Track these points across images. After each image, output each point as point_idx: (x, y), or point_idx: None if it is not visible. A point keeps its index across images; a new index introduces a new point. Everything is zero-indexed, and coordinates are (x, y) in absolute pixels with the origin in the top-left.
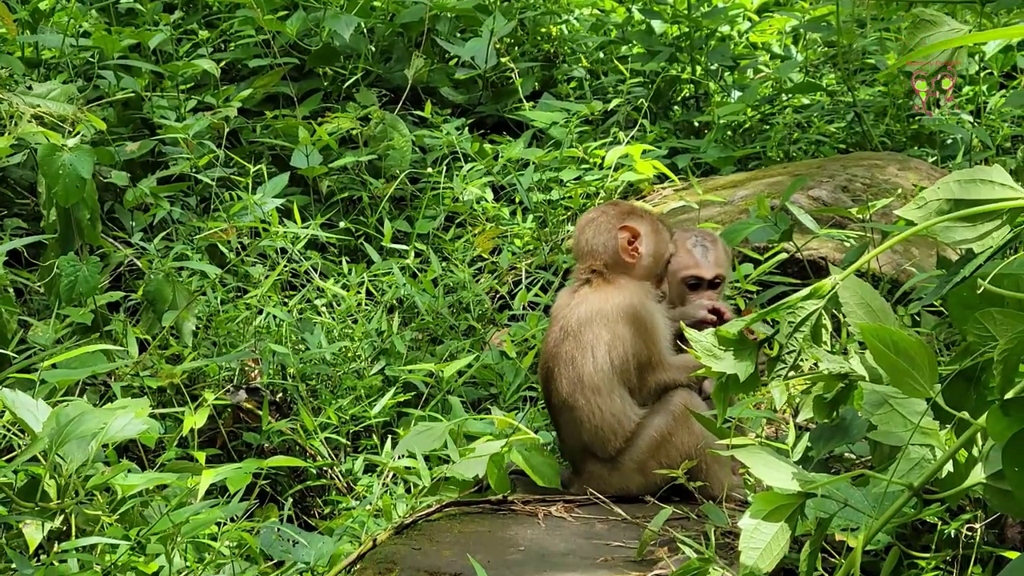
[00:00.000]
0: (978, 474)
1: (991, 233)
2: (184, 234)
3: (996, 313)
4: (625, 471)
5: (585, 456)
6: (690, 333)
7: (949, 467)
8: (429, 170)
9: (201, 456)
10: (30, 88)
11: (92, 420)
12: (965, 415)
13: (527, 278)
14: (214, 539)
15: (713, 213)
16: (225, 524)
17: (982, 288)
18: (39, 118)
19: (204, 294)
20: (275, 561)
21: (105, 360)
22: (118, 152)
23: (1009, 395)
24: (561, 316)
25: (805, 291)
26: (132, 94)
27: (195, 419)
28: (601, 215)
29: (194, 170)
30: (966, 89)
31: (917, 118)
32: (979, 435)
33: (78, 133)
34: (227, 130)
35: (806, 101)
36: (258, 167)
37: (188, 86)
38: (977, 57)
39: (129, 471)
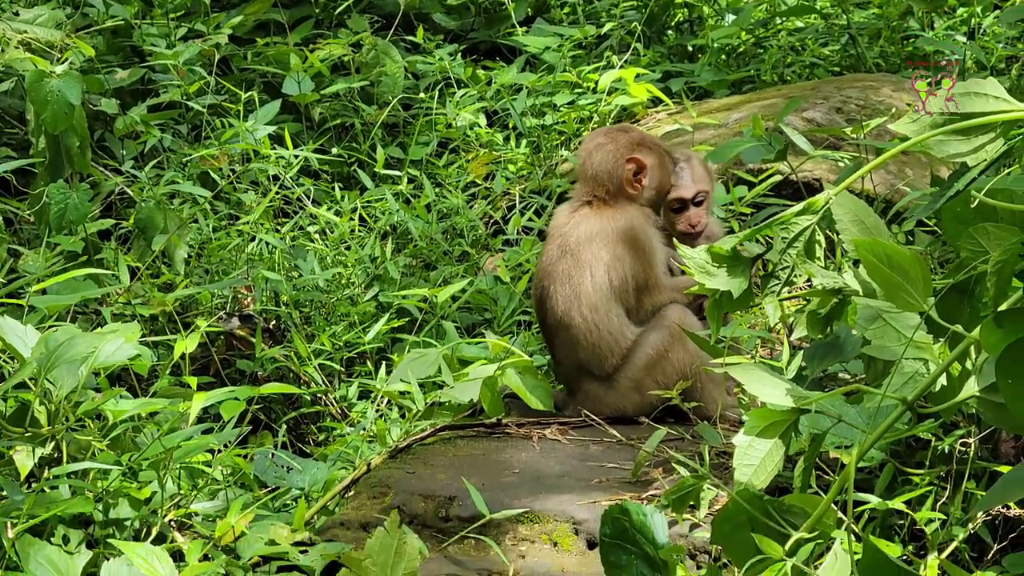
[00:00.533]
0: (972, 387)
1: (985, 146)
2: (175, 162)
3: (990, 227)
4: (621, 390)
5: (581, 376)
6: (683, 249)
7: (943, 381)
8: (422, 96)
9: (193, 381)
10: (17, 14)
11: (82, 345)
12: (959, 328)
13: (521, 203)
14: (208, 466)
15: (707, 136)
16: (219, 451)
17: (976, 202)
18: (27, 44)
19: (196, 221)
20: (270, 487)
21: (95, 286)
22: (107, 80)
23: (1003, 307)
24: (559, 234)
25: (798, 207)
26: (121, 21)
27: (186, 344)
28: (609, 142)
29: (185, 97)
30: (960, 10)
31: (911, 39)
32: (973, 348)
33: (67, 60)
34: (218, 57)
35: (800, 24)
36: (249, 94)
37: (178, 14)
38: None
39: (121, 397)
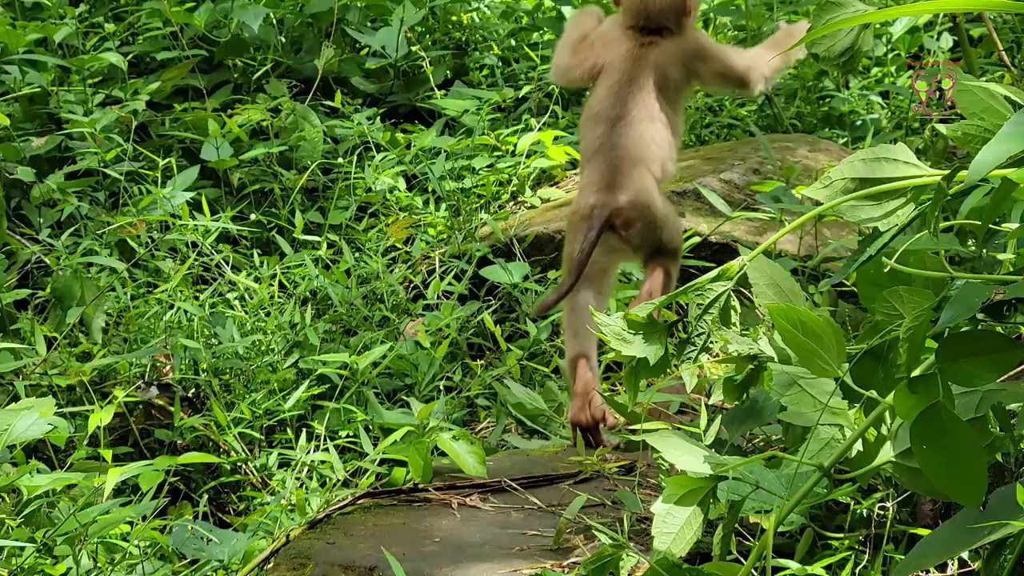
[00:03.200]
0: (887, 453)
1: (896, 211)
2: (93, 230)
3: (903, 291)
4: None
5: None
6: (599, 318)
7: (859, 446)
8: (341, 160)
9: (108, 454)
10: None
11: None
12: (873, 394)
13: (441, 267)
14: (125, 539)
15: None
16: (138, 524)
17: (888, 267)
18: None
19: (113, 290)
20: (189, 559)
21: (12, 359)
22: (23, 148)
23: (915, 373)
24: None
25: (713, 273)
26: (38, 89)
27: (101, 416)
28: None
29: (102, 165)
30: (875, 70)
31: (827, 100)
32: (888, 414)
33: None
34: (135, 124)
35: None
36: (167, 160)
37: (95, 80)
38: (884, 39)
39: (37, 471)
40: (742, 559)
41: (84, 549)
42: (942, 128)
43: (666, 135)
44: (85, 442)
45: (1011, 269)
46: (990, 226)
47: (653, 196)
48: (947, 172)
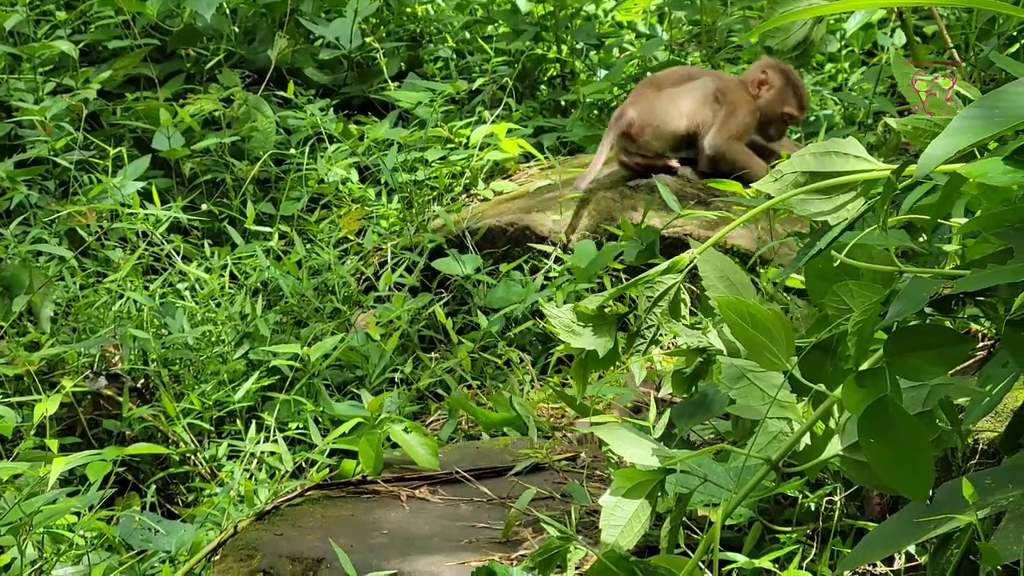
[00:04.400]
0: (835, 446)
1: (846, 205)
2: (42, 218)
3: (852, 285)
4: None
5: None
6: (549, 310)
7: (807, 440)
8: (293, 151)
9: (54, 444)
10: None
11: None
12: (822, 387)
13: (392, 259)
14: (72, 529)
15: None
16: (84, 514)
17: (838, 261)
18: None
19: (62, 279)
20: (136, 550)
21: None
22: None
23: (863, 366)
24: None
25: (663, 265)
26: None
27: (47, 406)
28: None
29: (52, 153)
30: (828, 66)
31: None
32: (836, 407)
33: None
34: (86, 112)
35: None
36: (118, 150)
37: (46, 68)
38: (839, 35)
39: None
40: (690, 552)
41: (29, 539)
42: (893, 123)
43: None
44: (32, 432)
45: (959, 263)
46: (939, 220)
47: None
48: (896, 166)
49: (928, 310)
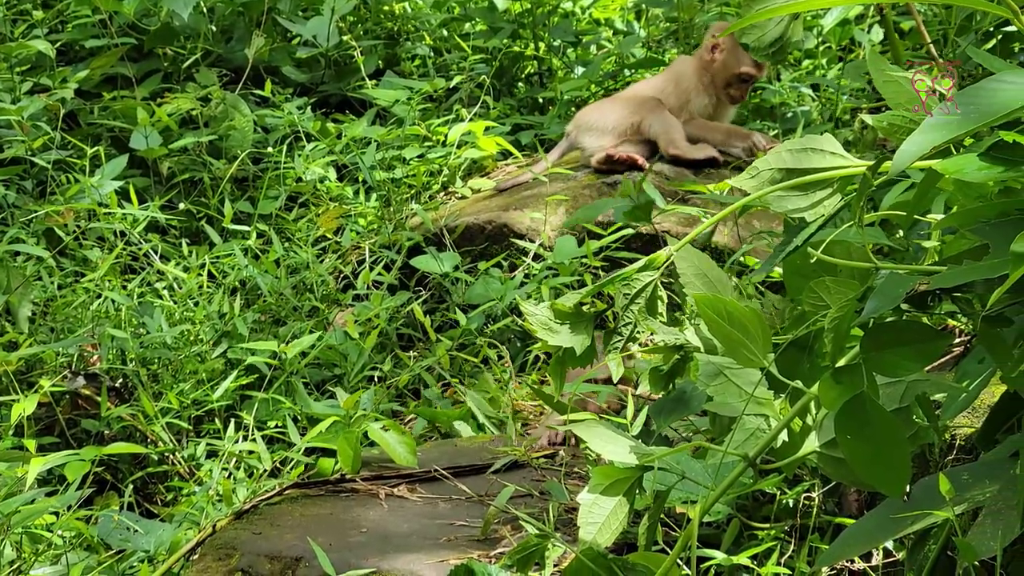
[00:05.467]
0: (813, 443)
1: (823, 201)
2: (19, 218)
3: (829, 281)
4: None
5: None
6: (526, 307)
7: (784, 437)
8: (271, 150)
9: (32, 444)
10: None
11: None
12: (799, 384)
13: (371, 257)
14: (50, 529)
15: (557, 188)
16: (63, 514)
17: (815, 257)
18: None
19: (39, 279)
20: (115, 550)
21: None
22: None
23: (840, 363)
24: None
25: (640, 262)
26: None
27: (24, 406)
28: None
29: (29, 153)
30: (805, 63)
31: (758, 92)
32: (813, 404)
33: None
34: (63, 112)
35: (649, 76)
36: (96, 149)
37: (23, 68)
38: (815, 31)
39: None
40: (668, 549)
41: (8, 539)
42: (868, 119)
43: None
44: (10, 432)
45: (935, 259)
46: (915, 216)
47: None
48: (872, 163)
49: (905, 306)
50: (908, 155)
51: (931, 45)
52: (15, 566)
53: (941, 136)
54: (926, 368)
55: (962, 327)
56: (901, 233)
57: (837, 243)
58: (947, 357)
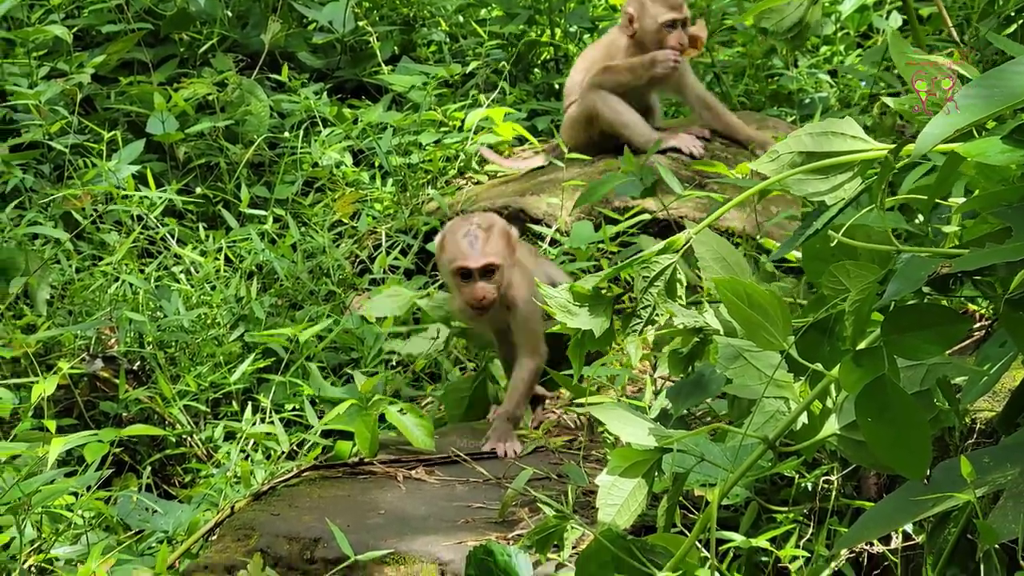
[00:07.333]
0: (832, 426)
1: (843, 185)
2: (37, 202)
3: (849, 265)
4: None
5: None
6: (545, 290)
7: (804, 419)
8: (287, 135)
9: (52, 425)
10: None
11: None
12: (819, 367)
13: (387, 242)
14: (70, 509)
15: (575, 173)
16: (82, 494)
17: (835, 241)
18: None
19: (58, 262)
20: (134, 530)
21: None
22: None
23: (861, 346)
24: None
25: (659, 245)
26: None
27: (44, 387)
28: None
29: (47, 137)
30: (823, 49)
31: (776, 78)
32: (833, 387)
33: None
34: (80, 97)
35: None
36: (113, 133)
37: (40, 53)
38: (834, 17)
39: None
40: (687, 531)
41: (28, 519)
42: (890, 102)
43: None
44: (30, 413)
45: (956, 242)
46: (937, 200)
47: None
48: (894, 146)
49: (926, 290)
50: (932, 137)
51: (952, 29)
52: (36, 545)
53: (964, 119)
54: (947, 352)
55: (983, 311)
56: (921, 217)
57: (858, 227)
58: (968, 341)
